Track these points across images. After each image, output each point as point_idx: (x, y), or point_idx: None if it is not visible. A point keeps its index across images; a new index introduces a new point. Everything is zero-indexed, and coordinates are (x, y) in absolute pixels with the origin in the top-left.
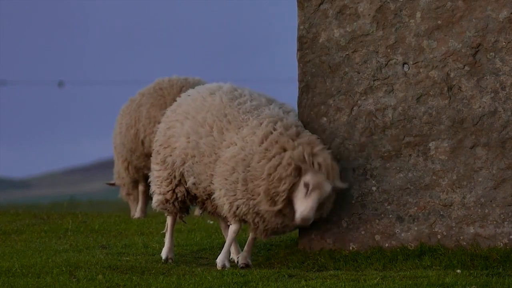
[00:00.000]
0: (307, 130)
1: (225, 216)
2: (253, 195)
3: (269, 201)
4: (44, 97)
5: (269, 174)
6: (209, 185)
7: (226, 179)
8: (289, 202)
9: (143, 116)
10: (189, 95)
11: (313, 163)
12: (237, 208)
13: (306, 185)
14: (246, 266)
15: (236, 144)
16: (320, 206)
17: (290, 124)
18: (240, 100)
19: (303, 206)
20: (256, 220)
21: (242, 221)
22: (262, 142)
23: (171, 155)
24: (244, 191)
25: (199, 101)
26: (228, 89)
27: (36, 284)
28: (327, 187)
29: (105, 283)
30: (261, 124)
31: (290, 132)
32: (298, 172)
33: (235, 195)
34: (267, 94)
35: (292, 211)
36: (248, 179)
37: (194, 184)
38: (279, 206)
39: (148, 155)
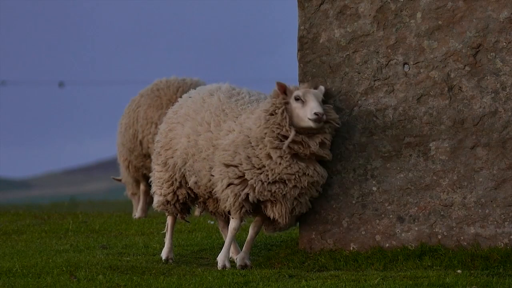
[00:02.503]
0: None
1: (228, 212)
2: (260, 167)
3: (276, 140)
4: (44, 97)
5: (267, 121)
6: (209, 181)
7: (228, 166)
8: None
9: (141, 116)
10: (190, 97)
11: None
12: (247, 196)
13: (298, 97)
14: (245, 267)
15: (234, 130)
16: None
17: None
18: (238, 97)
19: (308, 109)
20: (274, 191)
21: (248, 212)
22: (259, 117)
23: (172, 157)
24: (251, 169)
25: (199, 103)
26: (226, 89)
27: (36, 284)
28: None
29: (105, 283)
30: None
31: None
32: (286, 102)
33: (241, 178)
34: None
35: (304, 141)
36: (250, 154)
37: (196, 183)
38: (291, 134)
39: (146, 155)
